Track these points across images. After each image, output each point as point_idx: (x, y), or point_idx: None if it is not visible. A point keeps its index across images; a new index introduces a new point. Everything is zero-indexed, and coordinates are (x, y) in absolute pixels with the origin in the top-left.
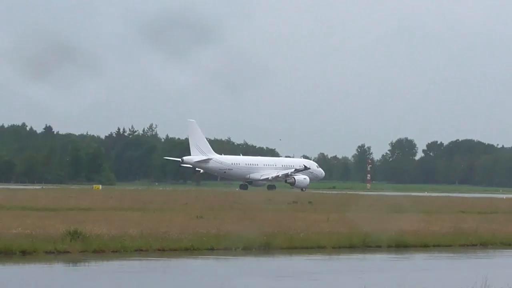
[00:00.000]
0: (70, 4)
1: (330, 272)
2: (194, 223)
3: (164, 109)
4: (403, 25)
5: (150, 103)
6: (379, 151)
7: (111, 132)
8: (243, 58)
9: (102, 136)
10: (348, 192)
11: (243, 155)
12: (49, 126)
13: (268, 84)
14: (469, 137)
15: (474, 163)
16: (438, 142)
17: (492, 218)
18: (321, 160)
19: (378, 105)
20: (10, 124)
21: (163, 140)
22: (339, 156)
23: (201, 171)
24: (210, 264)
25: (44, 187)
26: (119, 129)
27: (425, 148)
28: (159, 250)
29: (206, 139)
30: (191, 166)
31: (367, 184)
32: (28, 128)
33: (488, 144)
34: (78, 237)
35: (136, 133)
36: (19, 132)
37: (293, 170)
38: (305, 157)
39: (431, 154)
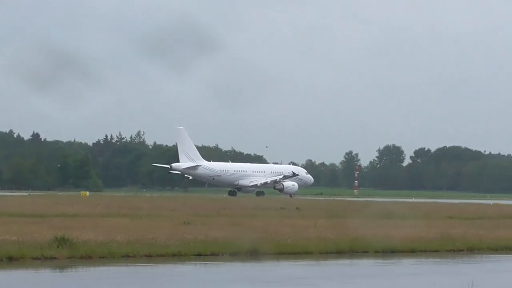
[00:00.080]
0: (57, 13)
1: (317, 278)
2: (182, 229)
3: (151, 116)
4: (390, 34)
5: (137, 110)
6: (366, 157)
7: (98, 139)
8: (233, 66)
9: (90, 143)
10: (336, 198)
11: (231, 161)
12: (36, 133)
13: (260, 92)
14: (456, 144)
15: (462, 169)
16: (426, 149)
17: (479, 223)
18: (309, 167)
19: (365, 112)
20: None
21: (150, 147)
22: (327, 163)
23: (190, 177)
24: (197, 270)
25: (31, 193)
26: (106, 136)
27: (412, 154)
28: (146, 256)
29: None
30: (179, 172)
31: (355, 191)
32: (15, 135)
33: (475, 151)
34: (65, 243)
35: (123, 140)
36: (6, 139)
37: (282, 176)
38: (293, 163)
39: (418, 160)
